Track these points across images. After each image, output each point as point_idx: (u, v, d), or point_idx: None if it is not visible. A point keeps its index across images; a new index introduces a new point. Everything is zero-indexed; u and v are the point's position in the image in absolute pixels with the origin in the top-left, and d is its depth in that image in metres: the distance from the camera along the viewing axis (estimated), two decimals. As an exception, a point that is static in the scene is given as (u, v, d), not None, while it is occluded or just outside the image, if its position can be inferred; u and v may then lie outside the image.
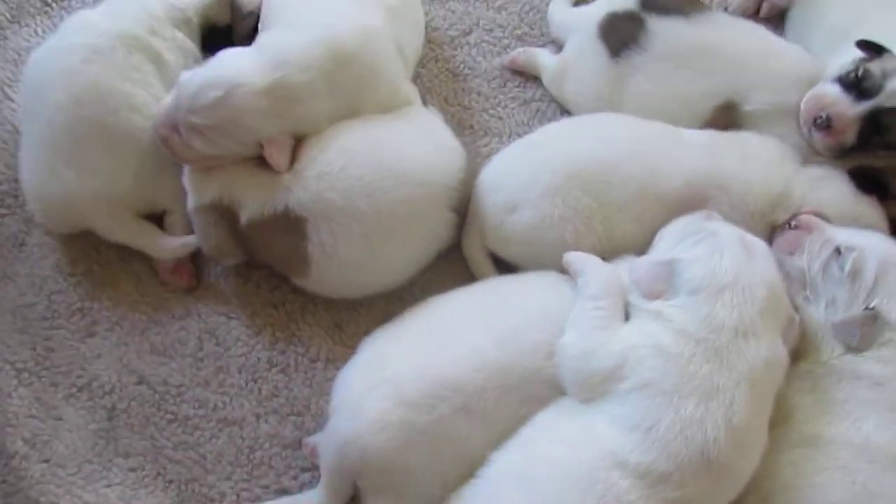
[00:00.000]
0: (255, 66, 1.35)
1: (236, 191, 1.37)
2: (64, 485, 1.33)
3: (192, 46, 1.57)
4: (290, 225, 1.34)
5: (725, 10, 1.70)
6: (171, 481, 1.35)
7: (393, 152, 1.36)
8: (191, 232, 1.46)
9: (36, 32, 1.73)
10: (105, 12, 1.53)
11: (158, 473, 1.35)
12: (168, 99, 1.38)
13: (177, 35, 1.54)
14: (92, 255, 1.50)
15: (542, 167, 1.35)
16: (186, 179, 1.41)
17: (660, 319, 1.11)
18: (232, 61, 1.37)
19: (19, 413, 1.39)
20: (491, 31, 1.73)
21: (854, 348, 1.18)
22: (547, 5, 1.73)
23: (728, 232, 1.17)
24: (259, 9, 1.56)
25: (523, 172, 1.36)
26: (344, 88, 1.39)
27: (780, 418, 1.16)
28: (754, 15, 1.70)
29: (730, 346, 1.07)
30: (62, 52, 1.47)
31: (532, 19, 1.73)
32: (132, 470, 1.35)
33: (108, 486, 1.34)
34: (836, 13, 1.52)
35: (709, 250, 1.13)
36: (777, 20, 1.68)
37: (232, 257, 1.44)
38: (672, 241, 1.20)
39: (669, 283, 1.13)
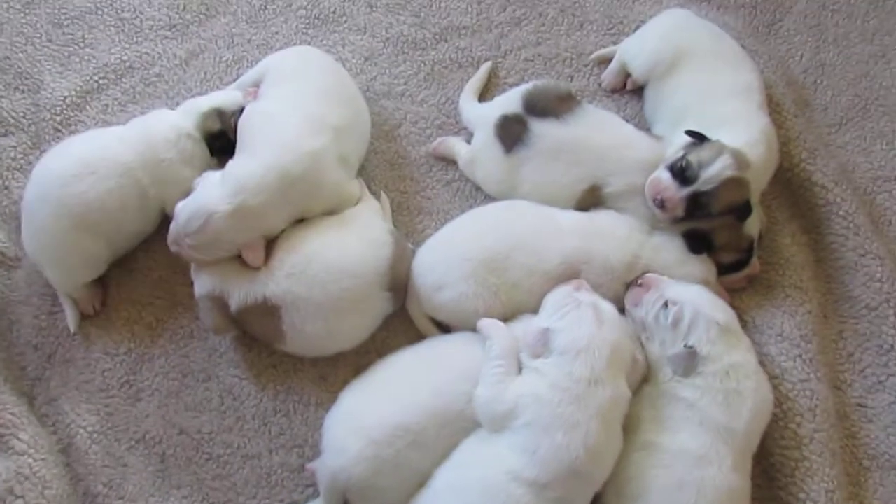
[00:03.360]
0: (222, 194, 1.68)
1: (226, 285, 1.73)
2: (137, 515, 1.71)
3: (200, 153, 1.86)
4: (268, 310, 1.70)
5: (600, 85, 2.06)
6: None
7: (336, 253, 1.71)
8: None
9: (52, 156, 1.99)
10: (121, 138, 1.82)
11: (203, 499, 1.70)
12: (173, 223, 1.72)
13: (184, 149, 1.84)
14: (129, 338, 1.85)
15: (458, 257, 1.72)
16: (193, 274, 1.78)
17: (539, 374, 1.50)
18: (206, 193, 1.70)
19: (96, 464, 1.72)
20: (416, 122, 2.04)
21: (680, 375, 1.55)
22: (458, 97, 2.05)
23: (587, 304, 1.55)
24: (240, 111, 1.85)
25: (444, 261, 1.73)
26: (294, 201, 1.73)
27: (631, 428, 1.53)
28: (621, 89, 2.04)
29: (585, 392, 1.45)
30: (70, 167, 1.76)
31: (448, 109, 2.06)
32: (185, 497, 1.70)
33: (169, 512, 1.71)
34: (674, 99, 1.86)
35: (570, 322, 1.53)
36: (640, 92, 2.02)
37: (229, 332, 1.79)
38: (550, 311, 1.59)
39: (546, 346, 1.53)
